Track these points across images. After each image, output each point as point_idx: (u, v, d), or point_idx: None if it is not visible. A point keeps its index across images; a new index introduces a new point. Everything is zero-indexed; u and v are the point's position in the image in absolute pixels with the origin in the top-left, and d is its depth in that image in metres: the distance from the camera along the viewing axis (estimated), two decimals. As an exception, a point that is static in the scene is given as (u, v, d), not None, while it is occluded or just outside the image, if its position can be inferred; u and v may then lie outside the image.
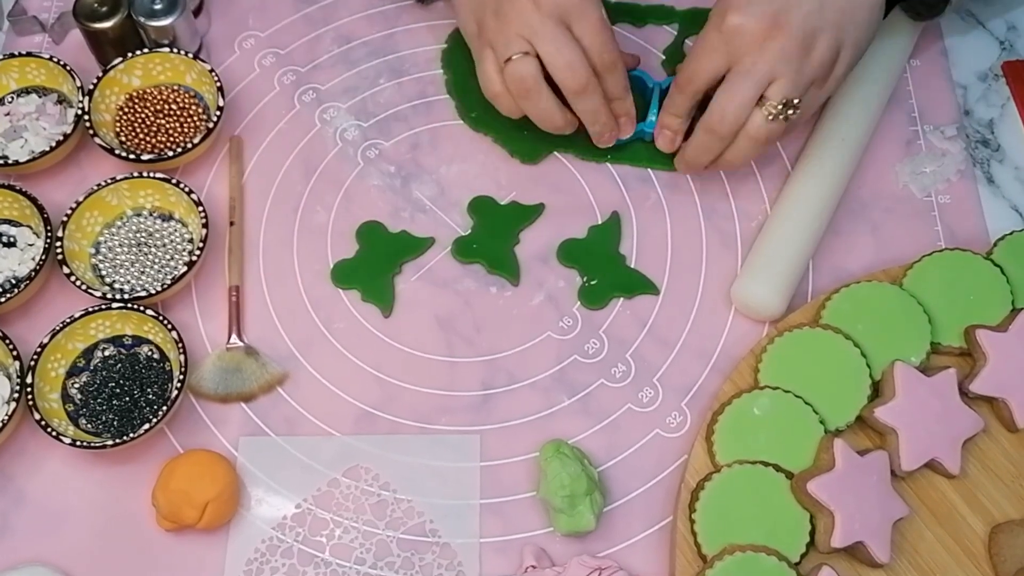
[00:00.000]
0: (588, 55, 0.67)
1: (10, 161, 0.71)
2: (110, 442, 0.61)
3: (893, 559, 0.59)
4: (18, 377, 0.63)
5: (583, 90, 0.67)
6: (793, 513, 0.59)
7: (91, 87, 0.73)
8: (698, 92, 0.68)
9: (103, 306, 0.66)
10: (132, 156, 0.71)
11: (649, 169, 0.75)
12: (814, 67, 0.64)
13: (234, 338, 0.68)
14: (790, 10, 0.63)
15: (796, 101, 0.64)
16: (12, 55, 0.75)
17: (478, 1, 0.69)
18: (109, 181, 0.70)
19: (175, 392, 0.63)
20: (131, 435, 0.62)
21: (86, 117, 0.72)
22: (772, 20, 0.63)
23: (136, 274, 0.69)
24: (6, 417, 0.62)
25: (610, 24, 0.68)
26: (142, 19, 0.74)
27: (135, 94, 0.75)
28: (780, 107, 0.64)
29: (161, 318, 0.65)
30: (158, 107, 0.75)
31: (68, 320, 0.65)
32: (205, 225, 0.68)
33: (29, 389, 0.63)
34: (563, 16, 0.66)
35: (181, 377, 0.63)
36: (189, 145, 0.71)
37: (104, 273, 0.69)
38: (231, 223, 0.72)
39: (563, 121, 0.69)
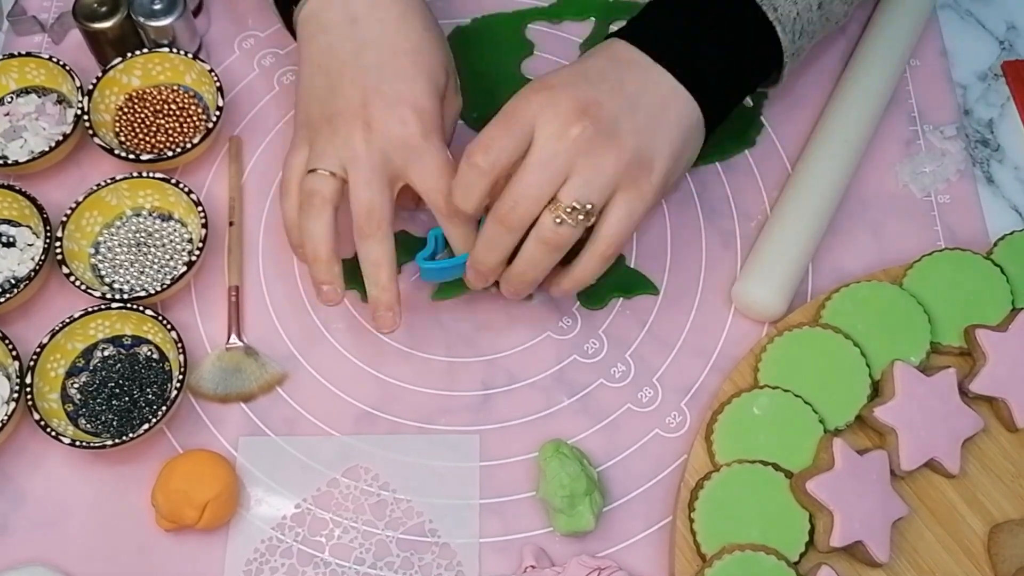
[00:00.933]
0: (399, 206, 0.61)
1: (9, 161, 0.71)
2: (109, 442, 0.61)
3: (892, 559, 0.59)
4: (17, 377, 0.63)
5: (364, 234, 0.60)
6: (792, 512, 0.59)
7: (91, 87, 0.73)
8: (497, 178, 0.58)
9: (102, 306, 0.66)
10: (132, 156, 0.71)
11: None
12: (618, 167, 0.57)
13: (234, 338, 0.68)
14: (601, 102, 0.57)
15: (589, 207, 0.56)
16: (12, 55, 0.75)
17: (316, 95, 0.63)
18: (108, 181, 0.70)
19: (174, 392, 0.63)
20: (130, 435, 0.62)
21: (86, 117, 0.72)
22: (581, 105, 0.56)
23: (135, 274, 0.69)
24: (5, 417, 0.62)
25: (452, 167, 0.61)
26: (142, 19, 0.74)
27: (135, 94, 0.75)
28: (571, 210, 0.56)
29: (160, 318, 0.65)
30: (158, 107, 0.75)
31: (67, 320, 0.65)
32: (205, 225, 0.68)
33: (28, 389, 0.63)
34: (390, 154, 0.60)
35: (180, 377, 0.63)
36: (189, 145, 0.71)
37: (104, 273, 0.69)
38: (231, 223, 0.72)
39: (325, 254, 0.61)
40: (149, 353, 0.67)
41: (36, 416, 0.62)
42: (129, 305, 0.66)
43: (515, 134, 0.57)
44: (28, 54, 0.75)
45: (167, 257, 0.70)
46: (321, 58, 0.64)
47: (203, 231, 0.68)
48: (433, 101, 0.62)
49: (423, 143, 0.61)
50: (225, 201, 0.73)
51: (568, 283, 0.62)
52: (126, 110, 0.75)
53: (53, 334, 0.65)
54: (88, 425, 0.64)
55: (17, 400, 0.62)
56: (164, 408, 0.62)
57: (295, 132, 0.65)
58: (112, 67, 0.74)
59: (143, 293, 0.66)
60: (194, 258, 0.67)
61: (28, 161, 0.71)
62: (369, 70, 0.62)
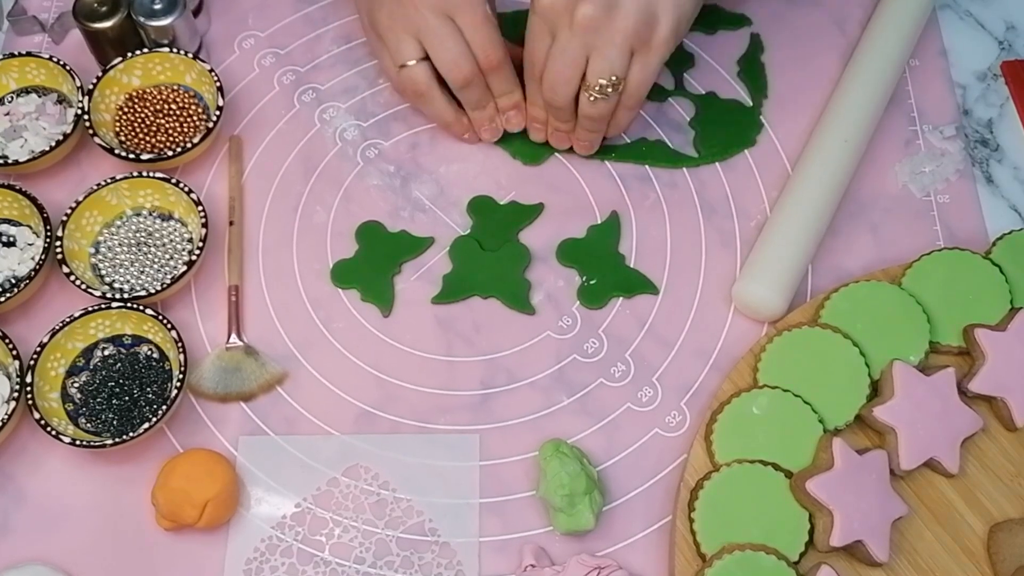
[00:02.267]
0: (473, 50, 0.68)
1: (10, 161, 0.71)
2: (110, 441, 0.61)
3: (892, 558, 0.59)
4: (18, 376, 0.63)
5: (466, 84, 0.70)
6: (792, 512, 0.59)
7: (91, 87, 0.73)
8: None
9: (103, 305, 0.66)
10: (132, 156, 0.71)
11: (648, 168, 0.75)
12: (627, 34, 0.63)
13: (234, 337, 0.68)
14: None
15: (615, 78, 0.65)
16: (12, 55, 0.75)
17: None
18: (109, 181, 0.70)
19: (175, 391, 0.63)
20: (131, 434, 0.62)
21: (86, 117, 0.72)
22: None
23: (136, 274, 0.69)
24: (6, 416, 0.62)
25: (495, 19, 0.69)
26: (142, 19, 0.74)
27: (135, 94, 0.75)
28: (599, 87, 0.65)
29: (161, 317, 0.65)
30: (158, 107, 0.75)
31: (68, 319, 0.65)
32: (205, 225, 0.68)
33: (29, 388, 0.63)
34: (447, 11, 0.67)
35: (181, 376, 0.63)
36: (189, 145, 0.71)
37: (104, 273, 0.69)
38: (231, 223, 0.72)
39: (454, 120, 0.73)
40: (149, 352, 0.67)
41: (36, 415, 0.62)
42: (129, 304, 0.66)
43: (543, 40, 0.66)
44: (28, 54, 0.75)
45: (167, 257, 0.70)
46: None
47: (203, 231, 0.68)
48: None
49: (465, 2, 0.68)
50: (225, 201, 0.73)
51: (611, 131, 0.72)
52: (126, 110, 0.75)
53: (53, 333, 0.65)
54: (88, 424, 0.64)
55: (17, 399, 0.62)
56: (164, 407, 0.62)
57: (370, 41, 0.74)
58: (112, 67, 0.74)
59: (143, 293, 0.66)
60: (194, 258, 0.67)
61: (28, 161, 0.71)
62: None
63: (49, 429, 0.62)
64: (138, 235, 0.71)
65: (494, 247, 0.72)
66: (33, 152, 0.72)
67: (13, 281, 0.69)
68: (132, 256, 0.70)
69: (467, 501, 0.63)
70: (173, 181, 0.70)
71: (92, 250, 0.70)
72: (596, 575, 0.59)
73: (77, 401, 0.65)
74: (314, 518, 0.63)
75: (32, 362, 0.64)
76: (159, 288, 0.66)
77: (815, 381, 0.63)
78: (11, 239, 0.70)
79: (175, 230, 0.71)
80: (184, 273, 0.67)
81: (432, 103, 0.72)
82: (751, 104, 0.78)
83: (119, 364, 0.66)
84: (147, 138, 0.74)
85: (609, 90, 0.65)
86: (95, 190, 0.70)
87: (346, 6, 0.82)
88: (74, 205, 0.69)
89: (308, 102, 0.78)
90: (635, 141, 0.75)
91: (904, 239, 0.72)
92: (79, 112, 0.72)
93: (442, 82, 0.71)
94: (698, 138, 0.76)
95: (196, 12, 0.79)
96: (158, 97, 0.75)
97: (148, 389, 0.65)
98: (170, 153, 0.71)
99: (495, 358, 0.68)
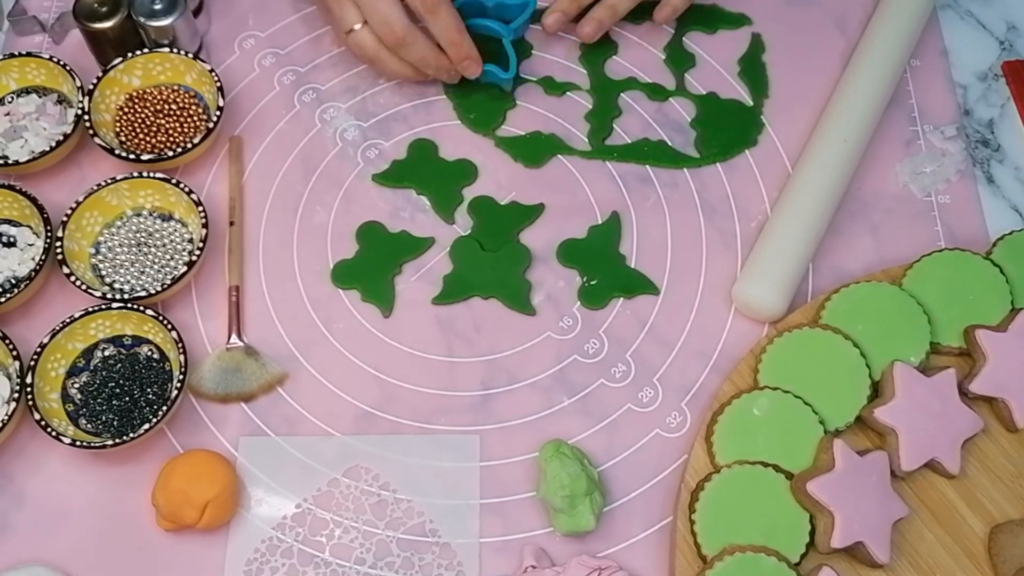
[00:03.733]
0: (408, 5, 0.69)
1: (10, 161, 0.71)
2: (110, 442, 0.61)
3: (893, 559, 0.59)
4: (18, 377, 0.63)
5: (401, 43, 0.70)
6: (793, 513, 0.59)
7: (91, 87, 0.73)
8: None
9: (103, 306, 0.66)
10: (132, 156, 0.71)
11: (649, 169, 0.75)
12: None
13: (234, 338, 0.68)
14: None
15: None
16: (12, 55, 0.75)
17: None
18: (109, 181, 0.70)
19: (175, 392, 0.63)
20: (131, 435, 0.62)
21: (86, 117, 0.72)
22: None
23: (136, 274, 0.69)
24: (6, 417, 0.62)
25: None
26: (142, 19, 0.74)
27: (135, 94, 0.75)
28: None
29: (161, 318, 0.65)
30: (158, 107, 0.75)
31: (68, 320, 0.65)
32: (205, 225, 0.68)
33: (29, 389, 0.63)
34: None
35: (181, 377, 0.63)
36: (189, 145, 0.71)
37: (104, 273, 0.69)
38: (231, 223, 0.72)
39: (413, 76, 0.74)
40: (149, 353, 0.67)
41: (36, 416, 0.62)
42: (129, 305, 0.66)
43: None
44: (28, 54, 0.75)
45: (167, 257, 0.70)
46: None
47: (203, 231, 0.68)
48: None
49: None
50: (225, 201, 0.73)
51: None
52: (126, 110, 0.75)
53: (53, 334, 0.65)
54: (88, 425, 0.64)
55: (17, 400, 0.62)
56: (164, 408, 0.62)
57: (319, 11, 0.76)
58: (112, 67, 0.74)
59: (143, 293, 0.66)
60: (194, 258, 0.67)
61: (28, 161, 0.71)
62: None
63: (49, 430, 0.62)
64: (138, 235, 0.71)
65: (494, 248, 0.71)
66: (33, 152, 0.72)
67: (13, 281, 0.69)
68: (132, 256, 0.70)
69: (467, 502, 0.63)
70: (173, 181, 0.70)
71: (92, 250, 0.70)
72: (596, 576, 0.59)
73: (77, 402, 0.65)
74: (314, 519, 0.63)
75: (32, 363, 0.64)
76: (159, 289, 0.66)
77: (816, 382, 0.63)
78: (11, 239, 0.70)
79: (175, 230, 0.71)
80: (184, 273, 0.67)
81: (384, 64, 0.73)
82: (751, 104, 0.78)
83: (119, 365, 0.66)
84: (147, 138, 0.74)
85: None
86: (95, 190, 0.69)
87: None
88: (74, 205, 0.69)
89: (308, 102, 0.78)
90: (636, 141, 0.75)
91: (905, 239, 0.72)
92: (79, 112, 0.72)
93: None
94: (699, 138, 0.76)
95: (196, 12, 0.79)
96: (158, 97, 0.75)
97: (148, 390, 0.65)
98: (170, 153, 0.71)
99: (495, 359, 0.68)
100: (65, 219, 0.68)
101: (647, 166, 0.75)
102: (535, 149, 0.75)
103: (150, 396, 0.65)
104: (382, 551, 0.62)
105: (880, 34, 0.77)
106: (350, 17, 0.71)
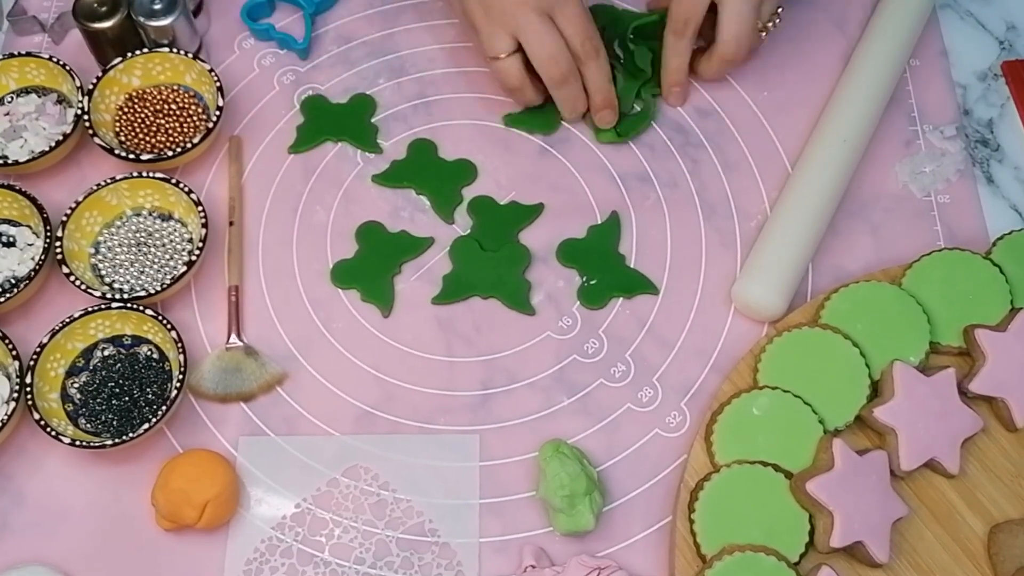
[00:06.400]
0: (570, 45, 0.70)
1: (10, 161, 0.71)
2: (109, 442, 0.61)
3: (892, 559, 0.59)
4: (17, 377, 0.63)
5: (563, 81, 0.71)
6: (792, 513, 0.59)
7: (91, 87, 0.73)
8: (695, 31, 0.73)
9: (102, 306, 0.66)
10: (132, 156, 0.71)
11: (649, 168, 0.75)
12: None
13: (233, 338, 0.68)
14: None
15: (780, 9, 0.74)
16: (12, 55, 0.75)
17: None
18: (109, 181, 0.70)
19: (174, 392, 0.63)
20: (131, 435, 0.62)
21: (86, 117, 0.72)
22: None
23: (135, 274, 0.69)
24: (6, 417, 0.62)
25: (590, 15, 0.71)
26: (142, 19, 0.74)
27: (135, 94, 0.75)
28: (769, 18, 0.74)
29: (160, 318, 0.65)
30: (158, 107, 0.75)
31: (67, 320, 0.65)
32: (204, 225, 0.68)
33: (28, 389, 0.63)
34: (546, 8, 0.69)
35: (180, 377, 0.63)
36: (189, 145, 0.71)
37: (104, 273, 0.69)
38: (230, 223, 0.72)
39: (540, 100, 0.75)
40: (149, 353, 0.67)
41: (36, 416, 0.62)
42: (129, 305, 0.66)
43: None
44: (28, 54, 0.75)
45: (167, 257, 0.70)
46: None
47: (203, 231, 0.68)
48: None
49: None
50: (225, 201, 0.73)
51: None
52: (126, 110, 0.75)
53: (53, 334, 0.65)
54: (88, 425, 0.64)
55: (17, 400, 0.62)
56: (164, 408, 0.62)
57: (468, 32, 0.74)
58: (112, 67, 0.74)
59: (143, 293, 0.66)
60: (194, 258, 0.67)
61: (28, 161, 0.71)
62: None
63: (49, 430, 0.62)
64: (138, 235, 0.71)
65: (494, 247, 0.72)
66: (33, 152, 0.72)
67: (13, 281, 0.69)
68: (132, 256, 0.70)
69: (467, 501, 0.63)
70: (173, 181, 0.70)
71: (92, 250, 0.70)
72: (596, 576, 0.59)
73: (77, 401, 0.65)
74: (314, 519, 0.63)
75: (32, 362, 0.64)
76: (159, 288, 0.66)
77: (815, 382, 0.63)
78: (11, 239, 0.70)
79: (175, 230, 0.71)
80: (184, 273, 0.67)
81: (524, 94, 0.73)
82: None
83: (119, 364, 0.66)
84: (147, 138, 0.74)
85: (771, 23, 0.74)
86: (95, 190, 0.69)
87: (343, 5, 0.82)
88: (74, 205, 0.69)
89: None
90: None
91: (904, 239, 0.72)
92: (79, 112, 0.72)
93: (531, 71, 0.72)
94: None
95: (196, 12, 0.79)
96: (158, 97, 0.75)
97: (148, 389, 0.65)
98: (170, 153, 0.71)
99: (495, 358, 0.68)
100: (65, 219, 0.68)
101: (647, 166, 0.75)
102: (548, 118, 0.76)
103: (150, 396, 0.65)
104: (381, 551, 0.62)
105: (880, 34, 0.77)
106: (501, 45, 0.70)
